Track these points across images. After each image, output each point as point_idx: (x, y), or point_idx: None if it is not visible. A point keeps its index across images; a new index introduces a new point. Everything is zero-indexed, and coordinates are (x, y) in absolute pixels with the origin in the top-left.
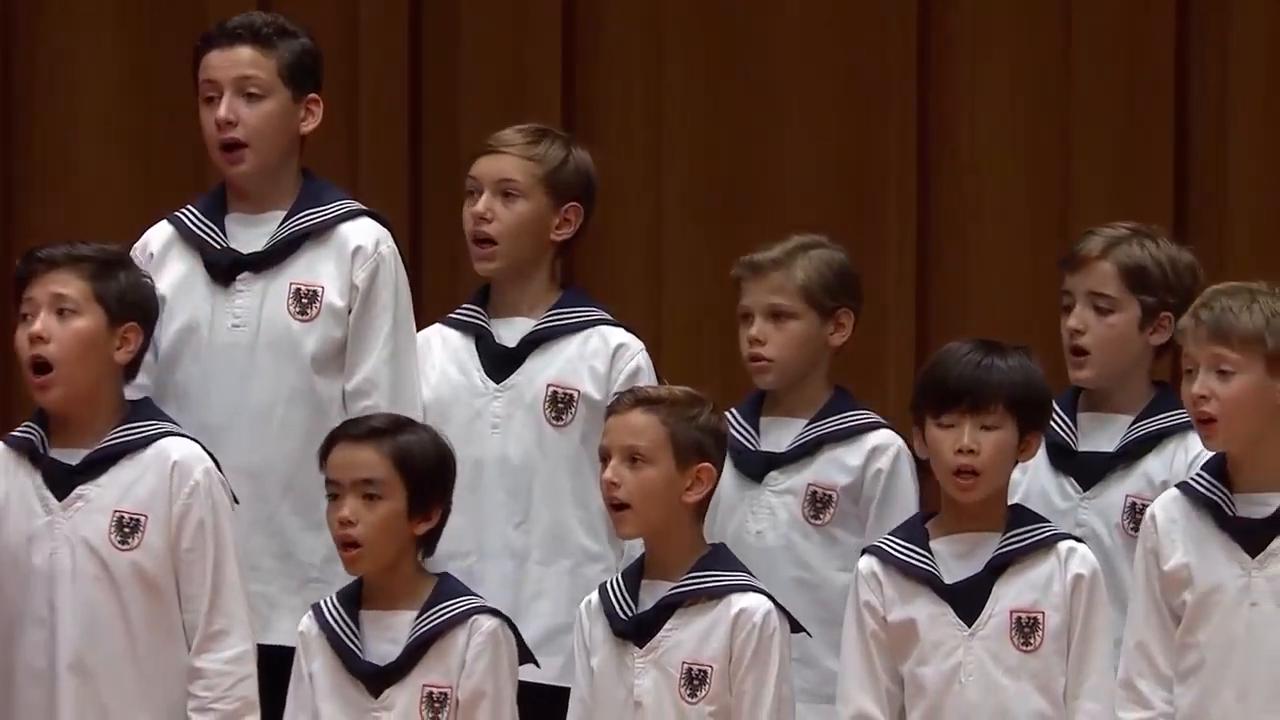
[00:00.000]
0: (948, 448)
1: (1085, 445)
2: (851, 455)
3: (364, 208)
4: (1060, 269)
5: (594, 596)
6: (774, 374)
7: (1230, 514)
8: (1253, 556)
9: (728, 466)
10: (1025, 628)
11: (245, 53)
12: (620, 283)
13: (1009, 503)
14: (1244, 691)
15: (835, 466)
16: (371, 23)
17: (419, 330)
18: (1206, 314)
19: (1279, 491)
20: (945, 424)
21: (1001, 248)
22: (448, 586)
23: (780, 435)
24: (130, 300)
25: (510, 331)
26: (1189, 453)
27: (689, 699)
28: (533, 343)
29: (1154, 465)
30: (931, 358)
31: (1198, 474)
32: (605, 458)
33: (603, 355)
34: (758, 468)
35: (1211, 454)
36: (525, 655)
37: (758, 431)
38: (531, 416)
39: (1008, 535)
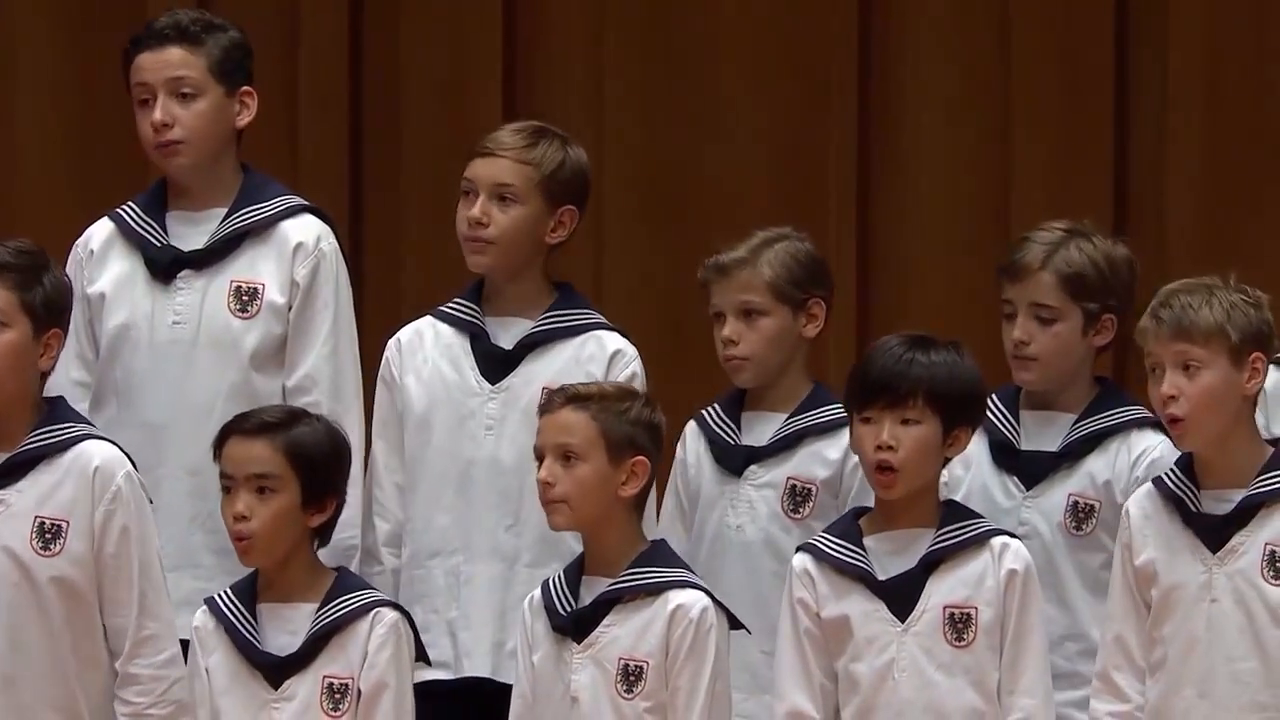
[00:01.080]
0: (869, 443)
1: (1028, 444)
2: (831, 449)
3: (305, 203)
4: (1000, 278)
5: (536, 593)
6: (750, 372)
7: (1195, 510)
8: (1214, 553)
9: (708, 461)
10: (958, 623)
11: (175, 53)
12: (559, 271)
13: (953, 500)
14: (1205, 688)
15: (815, 460)
16: (312, 16)
17: (381, 334)
18: (1166, 313)
19: (1241, 488)
20: (866, 419)
21: (941, 246)
22: (347, 580)
23: (761, 429)
24: (54, 307)
25: (506, 332)
26: (1132, 452)
27: (625, 695)
28: (529, 345)
29: (1097, 464)
30: (864, 353)
31: (1169, 470)
32: (540, 457)
33: (599, 360)
34: (738, 462)
35: (1159, 451)
36: (420, 654)
37: (738, 426)
38: (526, 420)
39: (941, 531)
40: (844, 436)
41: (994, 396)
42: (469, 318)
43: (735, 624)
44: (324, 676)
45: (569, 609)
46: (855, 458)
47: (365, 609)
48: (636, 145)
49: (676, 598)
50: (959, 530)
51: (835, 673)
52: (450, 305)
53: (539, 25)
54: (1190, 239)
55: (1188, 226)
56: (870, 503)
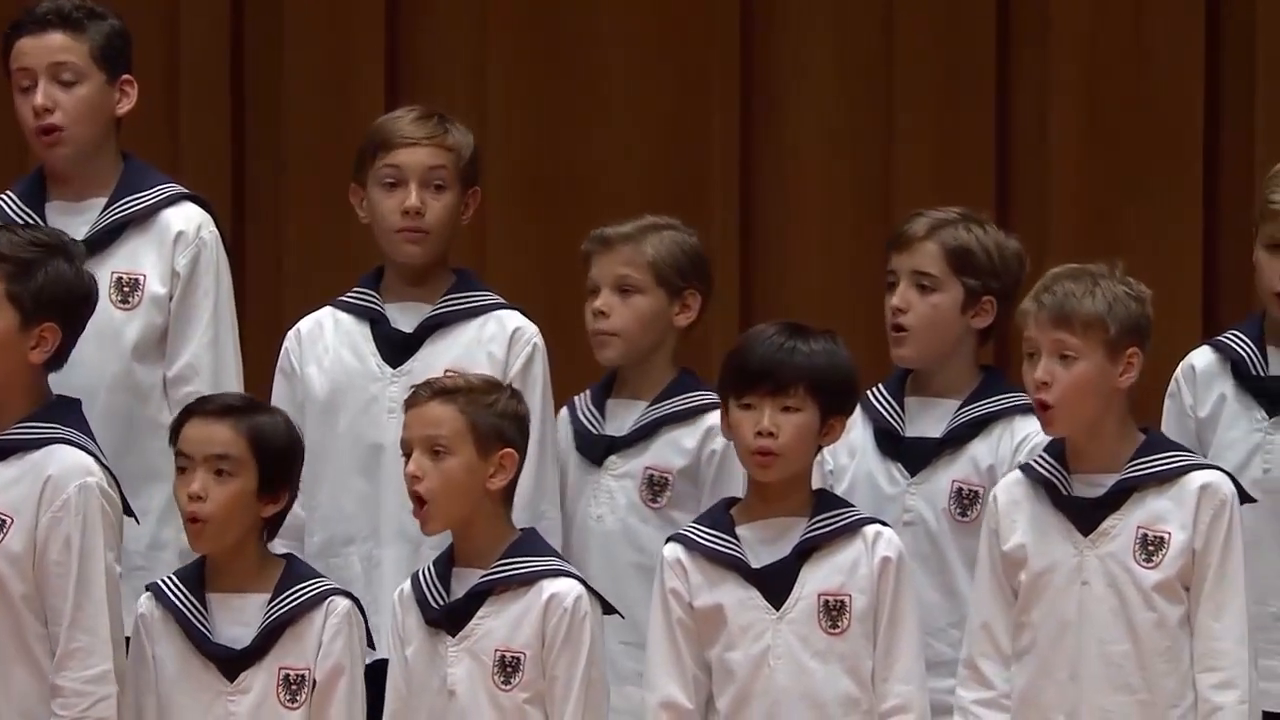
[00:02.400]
0: (748, 429)
1: (912, 431)
2: (688, 437)
3: (186, 191)
4: (887, 249)
5: (405, 586)
6: (616, 349)
7: (1065, 494)
8: (1085, 536)
9: (573, 450)
10: (833, 611)
11: (57, 38)
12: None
13: (824, 489)
14: (1075, 671)
15: (672, 449)
16: (192, 4)
17: (263, 323)
18: (1049, 298)
19: (1113, 473)
20: (746, 405)
21: (824, 233)
22: (297, 569)
23: (624, 418)
24: (48, 299)
25: (405, 317)
26: (1015, 437)
27: (503, 686)
28: (430, 328)
29: (980, 450)
30: (738, 339)
31: (1039, 455)
32: (407, 451)
33: (500, 340)
34: (598, 452)
35: (1042, 436)
36: (370, 641)
37: (603, 415)
38: None
39: (814, 519)
40: (701, 424)
41: (879, 385)
42: (368, 304)
43: (609, 610)
44: (280, 668)
45: (441, 602)
46: (712, 446)
47: (319, 599)
48: (519, 133)
49: (550, 587)
50: (832, 518)
51: (708, 663)
52: (349, 294)
53: (421, 13)
54: (1071, 229)
55: (1069, 217)
56: (730, 491)
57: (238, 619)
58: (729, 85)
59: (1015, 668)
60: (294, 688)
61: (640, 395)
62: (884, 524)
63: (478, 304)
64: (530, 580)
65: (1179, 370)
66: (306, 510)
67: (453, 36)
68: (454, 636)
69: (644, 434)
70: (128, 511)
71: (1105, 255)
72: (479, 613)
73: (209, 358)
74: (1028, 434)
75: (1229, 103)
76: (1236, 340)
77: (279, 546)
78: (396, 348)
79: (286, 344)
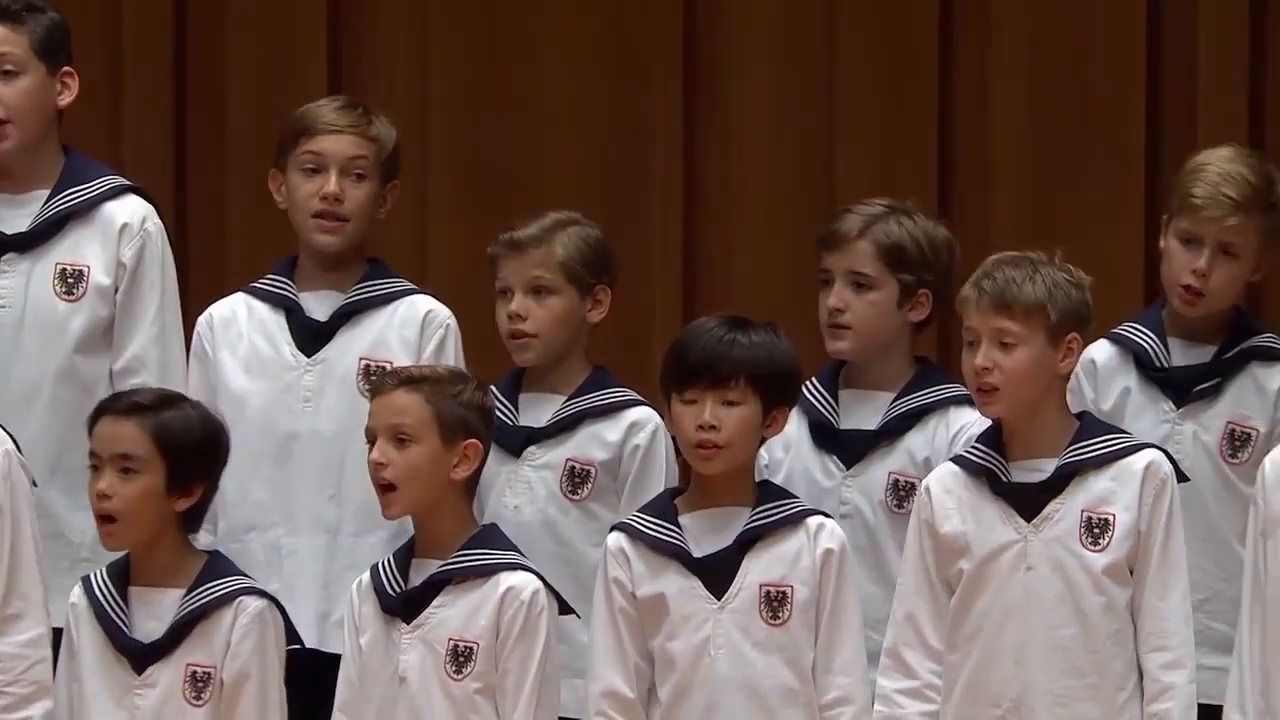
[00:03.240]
0: (689, 423)
1: (847, 423)
2: (610, 431)
3: (129, 184)
4: (819, 247)
5: (365, 576)
6: (535, 351)
7: (1005, 480)
8: (1028, 521)
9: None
10: (774, 602)
11: None
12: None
13: (768, 480)
14: (1021, 656)
15: (594, 442)
16: None
17: (224, 297)
18: (989, 284)
19: (1053, 457)
20: (687, 399)
21: (766, 226)
22: (217, 565)
23: (539, 411)
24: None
25: (320, 305)
26: (950, 428)
27: (454, 676)
28: (343, 316)
29: (916, 441)
30: (679, 334)
31: (972, 446)
32: (372, 439)
33: (413, 324)
34: (516, 442)
35: (978, 427)
36: (293, 637)
37: (517, 407)
38: (344, 390)
39: (756, 510)
40: (624, 419)
41: (813, 378)
42: (283, 292)
43: (565, 608)
44: (187, 664)
45: (399, 590)
46: (635, 441)
47: (229, 597)
48: (461, 129)
49: (508, 580)
50: (775, 509)
51: (650, 652)
52: (263, 281)
53: (364, 6)
54: (1013, 222)
55: (1010, 208)
56: (652, 487)
57: (154, 613)
58: (671, 79)
59: (956, 657)
60: (200, 685)
61: (556, 389)
62: (827, 515)
63: (389, 290)
64: (488, 572)
65: (1079, 364)
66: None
67: (395, 30)
68: (409, 624)
69: (565, 426)
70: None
71: (1047, 247)
72: (435, 602)
73: (156, 351)
74: (963, 425)
75: (1170, 95)
76: (1137, 332)
77: (203, 537)
78: (311, 336)
79: (199, 329)
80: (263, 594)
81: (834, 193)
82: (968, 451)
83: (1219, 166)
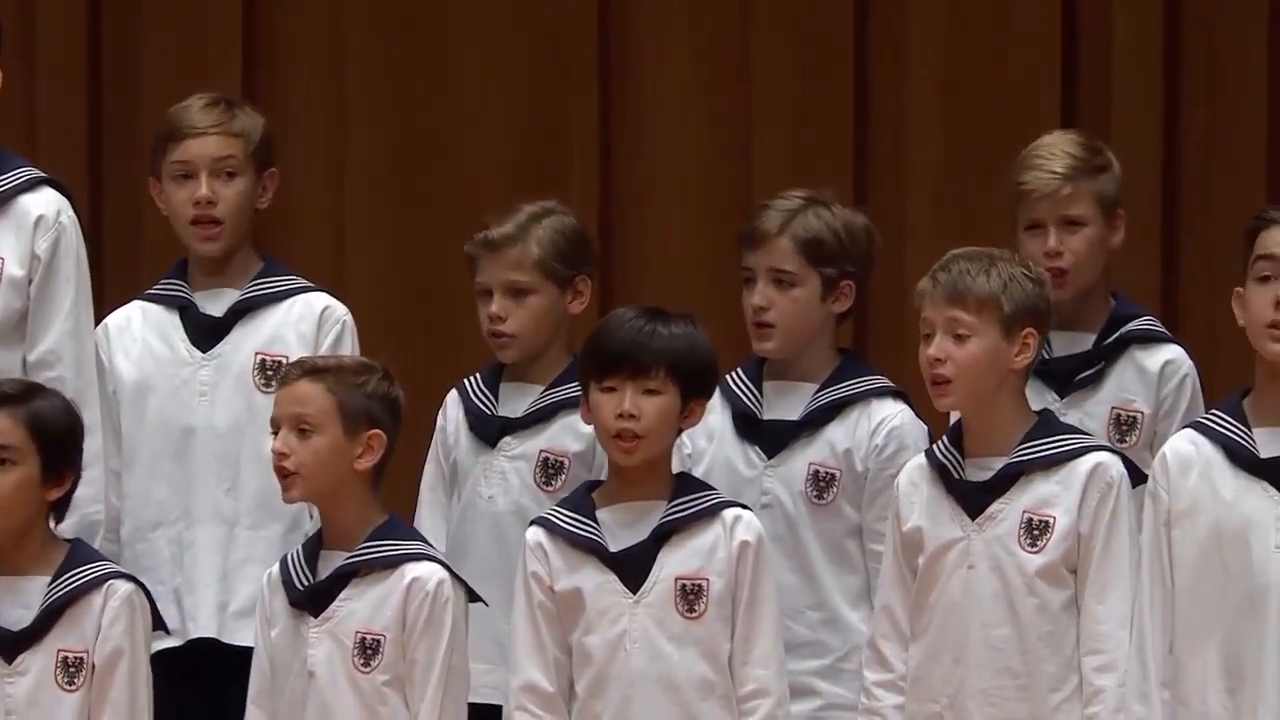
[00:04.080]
0: (609, 411)
1: (770, 414)
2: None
3: (44, 175)
4: (740, 245)
5: (275, 569)
6: (516, 349)
7: (957, 477)
8: (973, 519)
9: (465, 430)
10: (690, 595)
11: None
12: (301, 249)
13: (685, 472)
14: (960, 654)
15: (568, 433)
16: None
17: (121, 305)
18: (944, 276)
19: (1003, 456)
20: (607, 388)
21: (683, 218)
22: (81, 553)
23: (518, 401)
24: None
25: (215, 303)
26: (872, 420)
27: (362, 668)
28: (239, 312)
29: (837, 433)
30: (598, 323)
31: (940, 440)
32: (276, 428)
33: (309, 320)
34: (492, 432)
35: (899, 419)
36: (158, 623)
37: (497, 397)
38: (240, 384)
39: (673, 503)
40: None
41: (738, 368)
42: (176, 293)
43: (474, 597)
44: (58, 650)
45: (306, 583)
46: None
47: (98, 581)
48: (379, 122)
49: (413, 570)
50: (691, 502)
51: (569, 646)
52: (156, 287)
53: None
54: (929, 214)
55: (927, 197)
56: None
57: (20, 601)
58: (587, 68)
59: (911, 650)
60: (71, 670)
61: (535, 380)
62: (744, 507)
63: (285, 287)
64: (393, 563)
65: None
66: (119, 499)
67: (310, 20)
68: (316, 618)
69: (541, 417)
70: None
71: (963, 238)
72: (341, 595)
73: (71, 345)
74: (884, 417)
75: (1085, 88)
76: None
77: (105, 547)
78: (206, 332)
79: (95, 339)
80: (130, 578)
81: (750, 182)
82: (937, 445)
83: (1039, 150)
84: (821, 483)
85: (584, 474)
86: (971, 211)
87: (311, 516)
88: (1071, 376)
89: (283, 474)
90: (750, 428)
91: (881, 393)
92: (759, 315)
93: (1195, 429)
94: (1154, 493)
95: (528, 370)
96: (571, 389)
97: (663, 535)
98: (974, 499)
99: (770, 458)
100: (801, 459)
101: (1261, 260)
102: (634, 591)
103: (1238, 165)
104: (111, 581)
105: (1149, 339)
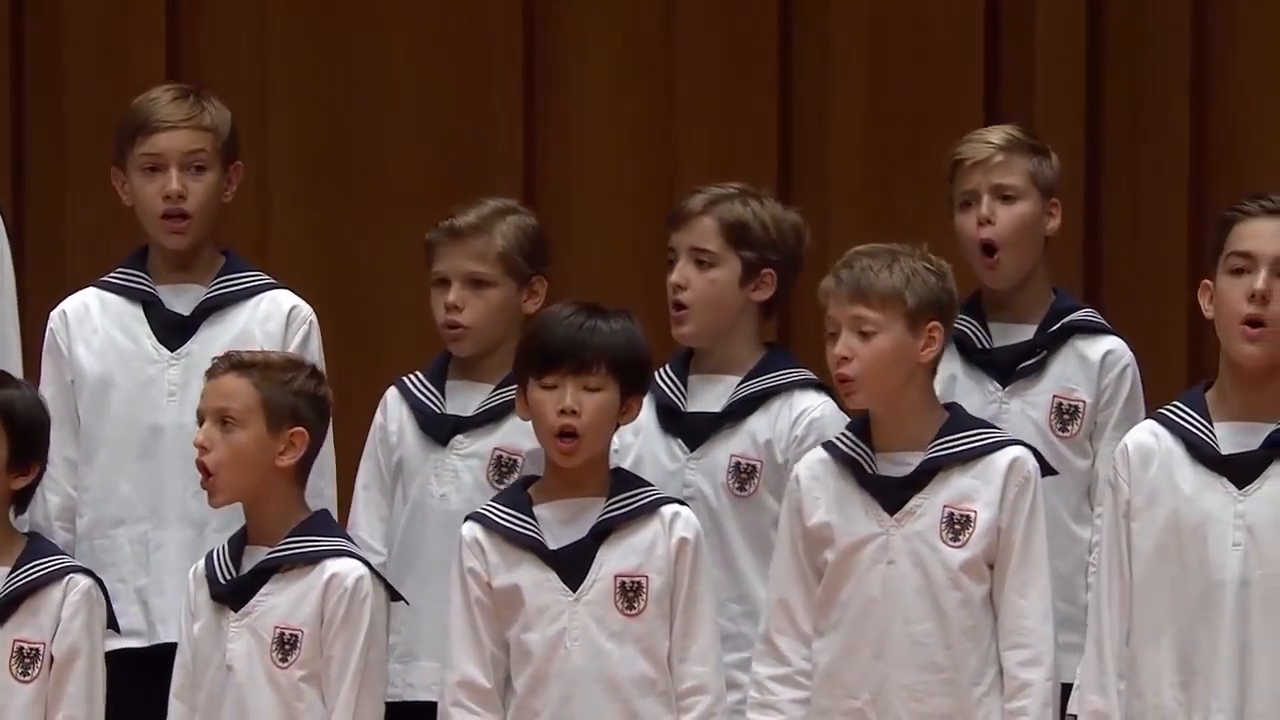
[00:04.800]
0: (550, 408)
1: (693, 406)
2: None
3: None
4: (667, 226)
5: (200, 563)
6: (470, 341)
7: (871, 472)
8: (891, 515)
9: (412, 429)
10: (629, 592)
11: None
12: (224, 243)
13: (621, 468)
14: (880, 649)
15: (521, 431)
16: None
17: (43, 293)
18: (847, 274)
19: (919, 451)
20: (547, 385)
21: (608, 213)
22: (39, 545)
23: (468, 399)
24: None
25: (180, 299)
26: (793, 411)
27: (279, 664)
28: (206, 310)
29: (759, 424)
30: (535, 320)
31: (842, 433)
32: (201, 421)
33: (276, 319)
34: (444, 431)
35: (821, 411)
36: (111, 621)
37: (444, 395)
38: None
39: (611, 500)
40: None
41: (666, 364)
42: (139, 286)
43: (395, 596)
44: (14, 640)
45: (229, 578)
46: None
47: (59, 574)
48: (302, 112)
49: (332, 567)
50: (630, 499)
51: (506, 642)
52: (115, 275)
53: None
54: (853, 208)
55: (851, 196)
56: None
57: None
58: (511, 63)
59: (820, 645)
60: (27, 661)
61: (485, 379)
62: (682, 504)
63: (251, 285)
64: (313, 559)
65: None
66: (78, 491)
67: (234, 14)
68: (237, 613)
69: (494, 415)
70: None
71: (887, 233)
72: (262, 590)
73: None
74: (805, 408)
75: (1008, 83)
76: (958, 319)
77: (60, 534)
78: (173, 330)
79: (52, 325)
80: (89, 573)
81: (675, 178)
82: (837, 439)
83: (979, 130)
84: (743, 474)
85: (535, 472)
86: (896, 208)
87: None
88: (1013, 366)
89: (203, 469)
90: (673, 420)
91: (804, 384)
92: (676, 294)
93: (1157, 421)
94: (1114, 484)
95: (476, 368)
96: None
97: (601, 533)
98: (891, 494)
99: (692, 450)
100: (723, 451)
101: (1235, 255)
102: (574, 589)
103: (1161, 161)
104: (72, 575)
105: (1090, 329)
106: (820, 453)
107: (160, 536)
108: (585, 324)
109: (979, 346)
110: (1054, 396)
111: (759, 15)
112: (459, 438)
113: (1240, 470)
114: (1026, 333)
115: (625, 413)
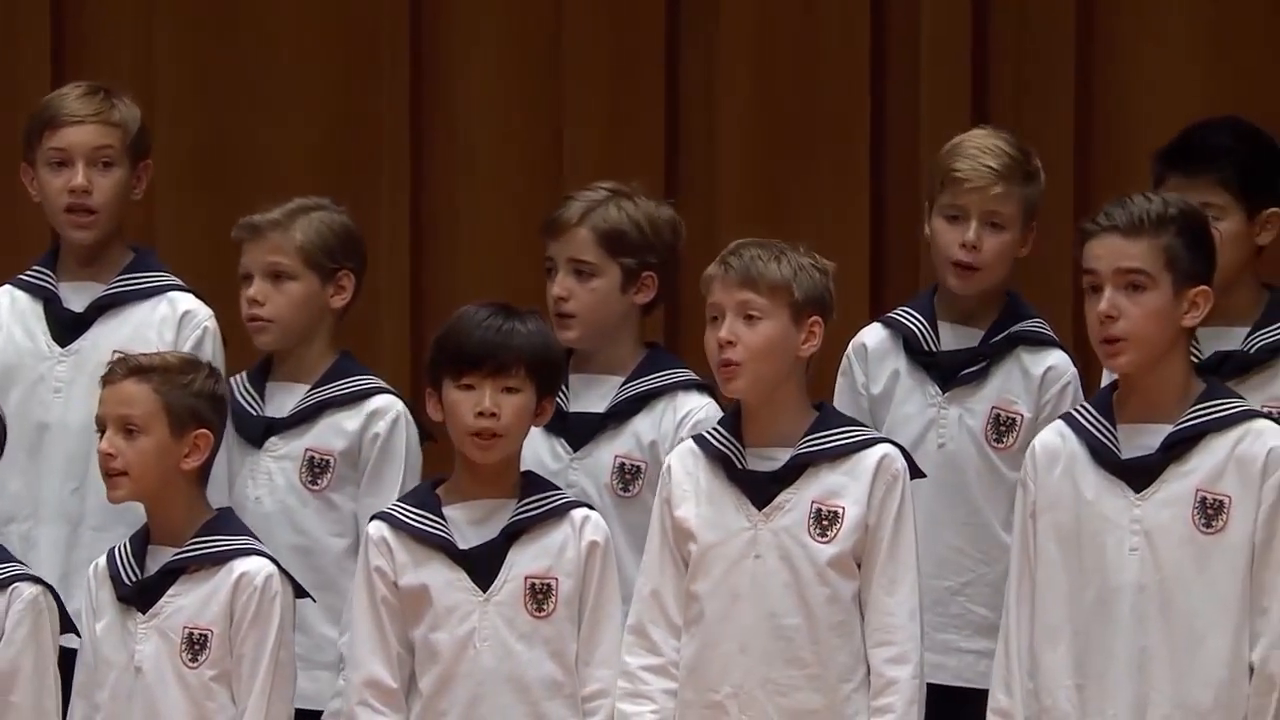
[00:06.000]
0: (467, 410)
1: (576, 406)
2: (350, 420)
3: None
4: (542, 236)
5: (101, 561)
6: (271, 334)
7: (740, 467)
8: (759, 509)
9: (231, 431)
10: (539, 594)
11: None
12: None
13: (530, 470)
14: (745, 643)
15: (333, 431)
16: None
17: None
18: (735, 261)
19: (788, 447)
20: (465, 385)
21: (495, 210)
22: None
23: (285, 400)
24: None
25: (78, 296)
26: (678, 413)
27: (189, 664)
28: (101, 308)
29: (643, 425)
30: (449, 320)
31: (713, 428)
32: (101, 428)
33: (170, 321)
34: (258, 433)
35: (704, 413)
36: (67, 624)
37: (262, 397)
38: (96, 382)
39: (523, 502)
40: (365, 407)
41: None
42: (42, 282)
43: (301, 593)
44: None
45: (134, 578)
46: (375, 429)
47: (3, 584)
48: (188, 112)
49: (241, 566)
50: (540, 501)
51: (411, 642)
52: (27, 272)
53: None
54: (740, 208)
55: (737, 190)
56: (392, 475)
57: None
58: (398, 66)
59: (686, 638)
60: None
61: (299, 378)
62: (591, 508)
63: (150, 285)
64: (221, 559)
65: (850, 348)
66: None
67: (119, 11)
68: (144, 614)
69: (305, 416)
70: None
71: (774, 232)
72: (170, 590)
73: None
74: (690, 409)
75: (894, 83)
76: (908, 316)
77: None
78: (66, 327)
79: None
80: (38, 581)
81: (562, 176)
82: (708, 433)
83: (977, 141)
84: (627, 475)
85: (350, 472)
86: (783, 207)
87: None
88: (956, 371)
89: (110, 473)
90: (556, 420)
91: (687, 385)
92: (559, 306)
93: (1065, 421)
94: (1024, 483)
95: (292, 368)
96: (338, 387)
97: (513, 533)
98: (760, 489)
99: (576, 450)
100: (607, 451)
101: (1086, 273)
102: (484, 590)
103: (1046, 164)
104: (17, 584)
105: (1036, 341)
106: (691, 445)
107: (36, 533)
108: (503, 326)
109: (925, 349)
110: (993, 408)
111: (646, 15)
112: (272, 439)
113: (1138, 474)
114: (975, 336)
115: (540, 414)
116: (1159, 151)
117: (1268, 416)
